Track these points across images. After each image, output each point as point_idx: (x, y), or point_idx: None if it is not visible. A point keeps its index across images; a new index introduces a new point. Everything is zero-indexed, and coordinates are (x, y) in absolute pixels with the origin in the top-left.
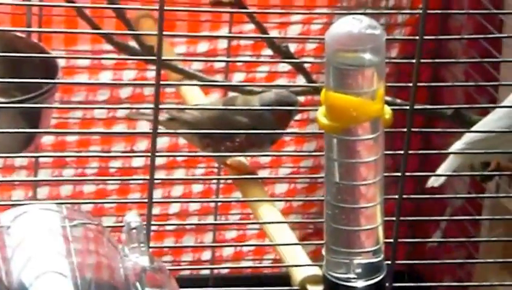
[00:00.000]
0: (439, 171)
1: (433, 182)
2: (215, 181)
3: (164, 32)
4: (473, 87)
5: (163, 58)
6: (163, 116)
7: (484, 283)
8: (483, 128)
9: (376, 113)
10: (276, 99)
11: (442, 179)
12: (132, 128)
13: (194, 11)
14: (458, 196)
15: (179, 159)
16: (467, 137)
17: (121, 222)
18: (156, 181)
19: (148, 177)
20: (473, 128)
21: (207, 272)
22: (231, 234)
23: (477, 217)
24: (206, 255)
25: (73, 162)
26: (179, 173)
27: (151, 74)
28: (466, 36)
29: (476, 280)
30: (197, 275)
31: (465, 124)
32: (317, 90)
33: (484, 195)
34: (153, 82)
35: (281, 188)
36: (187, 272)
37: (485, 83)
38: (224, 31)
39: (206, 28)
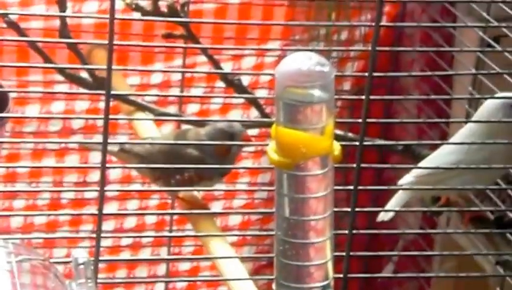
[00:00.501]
0: (388, 205)
1: (383, 216)
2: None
3: (113, 67)
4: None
5: (112, 92)
6: (114, 147)
7: None
8: (431, 163)
9: (325, 150)
10: (216, 131)
11: (391, 214)
12: (85, 158)
13: (144, 46)
14: (407, 231)
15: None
16: (416, 171)
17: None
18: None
19: (96, 212)
20: (421, 163)
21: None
22: (185, 266)
23: (427, 253)
24: (160, 287)
25: (24, 193)
26: (132, 204)
27: (104, 104)
28: (414, 73)
29: None
30: None
31: (416, 158)
32: (270, 123)
33: (433, 231)
34: (102, 116)
35: (234, 219)
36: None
37: (435, 118)
38: (178, 62)
39: (161, 58)
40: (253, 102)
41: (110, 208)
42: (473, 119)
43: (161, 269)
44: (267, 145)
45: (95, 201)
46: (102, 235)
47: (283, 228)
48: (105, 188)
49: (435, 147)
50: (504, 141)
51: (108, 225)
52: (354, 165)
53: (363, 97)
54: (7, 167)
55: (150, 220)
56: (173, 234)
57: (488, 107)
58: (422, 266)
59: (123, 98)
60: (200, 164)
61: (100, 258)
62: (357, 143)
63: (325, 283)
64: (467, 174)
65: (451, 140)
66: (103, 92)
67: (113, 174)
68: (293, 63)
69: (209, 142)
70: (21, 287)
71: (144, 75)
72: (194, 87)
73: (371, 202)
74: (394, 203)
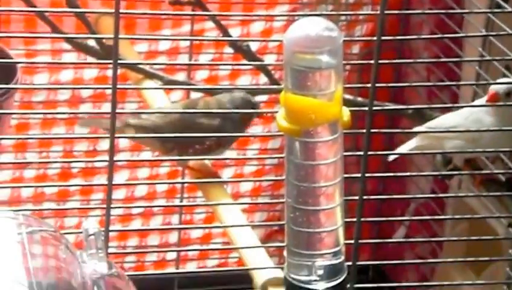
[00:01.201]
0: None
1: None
2: (180, 179)
3: (120, 36)
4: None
5: (119, 61)
6: (119, 122)
7: (446, 282)
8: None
9: (334, 116)
10: (239, 99)
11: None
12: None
13: (151, 14)
14: (419, 196)
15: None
16: (430, 123)
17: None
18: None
19: (106, 182)
20: (429, 123)
21: (172, 269)
22: (196, 233)
23: (438, 217)
24: (171, 254)
25: (34, 163)
26: (143, 172)
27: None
28: (424, 36)
29: (439, 275)
30: (162, 274)
31: (426, 122)
32: (279, 90)
33: (444, 195)
34: (109, 86)
35: (246, 185)
36: (152, 271)
37: (446, 80)
38: (186, 28)
39: (168, 25)
40: (262, 68)
41: (120, 176)
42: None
43: (173, 236)
44: (276, 112)
45: (105, 169)
46: (112, 205)
47: (293, 195)
48: (115, 158)
49: (446, 110)
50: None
51: (119, 194)
52: (364, 131)
53: (372, 62)
54: (17, 139)
55: (161, 188)
56: (184, 203)
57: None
58: (434, 229)
59: (131, 66)
60: (220, 132)
61: (110, 228)
62: (367, 108)
63: (336, 249)
64: (460, 139)
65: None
66: (110, 60)
67: (123, 142)
68: (301, 28)
69: (232, 110)
70: (32, 257)
71: (152, 42)
72: (202, 54)
73: (382, 166)
74: (405, 147)
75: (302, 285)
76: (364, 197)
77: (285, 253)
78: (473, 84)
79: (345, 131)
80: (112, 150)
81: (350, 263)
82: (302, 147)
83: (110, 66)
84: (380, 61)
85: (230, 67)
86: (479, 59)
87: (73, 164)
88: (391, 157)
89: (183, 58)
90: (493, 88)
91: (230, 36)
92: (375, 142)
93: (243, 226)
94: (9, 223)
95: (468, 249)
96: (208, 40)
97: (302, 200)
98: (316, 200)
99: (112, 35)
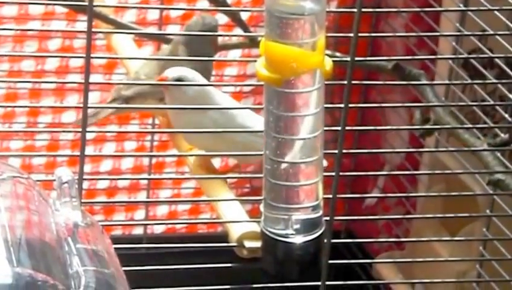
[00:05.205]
0: None
1: None
2: (149, 138)
3: None
4: (412, 41)
5: (94, 4)
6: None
7: (421, 239)
8: None
9: (316, 64)
10: (201, 24)
11: None
12: (62, 79)
13: None
14: (398, 150)
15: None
16: None
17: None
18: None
19: (80, 130)
20: None
21: (140, 231)
22: (165, 193)
23: (416, 172)
24: (140, 214)
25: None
26: (111, 129)
27: (80, 25)
28: None
29: (412, 237)
30: (130, 235)
31: (405, 77)
32: (254, 43)
33: (420, 150)
34: (84, 30)
35: None
36: (119, 232)
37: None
38: None
39: None
40: (238, 21)
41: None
42: None
43: (141, 196)
44: (255, 61)
45: (72, 126)
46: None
47: (272, 147)
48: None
49: (425, 66)
50: None
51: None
52: (345, 82)
53: (355, 10)
54: None
55: (130, 146)
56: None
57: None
58: (408, 191)
59: (103, 16)
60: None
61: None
62: (348, 59)
63: (315, 203)
64: None
65: None
66: (85, 3)
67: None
68: None
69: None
70: (4, 206)
71: None
72: (175, 5)
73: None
74: None
75: (279, 238)
76: (344, 151)
77: (261, 207)
78: (451, 36)
79: (325, 83)
80: (86, 96)
81: (327, 218)
82: (282, 97)
83: (81, 17)
84: (363, 10)
85: None
86: (457, 9)
87: (40, 119)
88: None
89: (155, 11)
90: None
91: None
92: (352, 100)
93: (218, 177)
94: None
95: (444, 210)
96: None
97: (281, 153)
98: (295, 153)
99: None
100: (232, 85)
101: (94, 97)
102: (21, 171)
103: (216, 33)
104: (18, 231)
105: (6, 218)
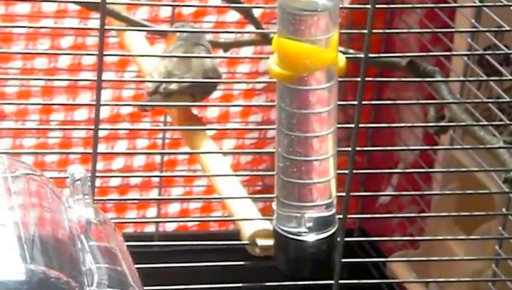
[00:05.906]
0: None
1: None
2: (160, 136)
3: None
4: (427, 38)
5: (107, 1)
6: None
7: (436, 237)
8: None
9: (330, 60)
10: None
11: None
12: (75, 77)
13: None
14: (412, 148)
15: (123, 112)
16: None
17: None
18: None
19: (92, 127)
20: None
21: (152, 229)
22: (177, 191)
23: (430, 170)
24: (151, 212)
25: (12, 114)
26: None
27: (93, 23)
28: None
29: (427, 236)
30: (142, 232)
31: (419, 74)
32: (267, 40)
33: (435, 147)
34: (97, 27)
35: (229, 144)
36: (131, 229)
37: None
38: None
39: None
40: (250, 18)
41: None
42: None
43: (153, 194)
44: (267, 58)
45: (85, 123)
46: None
47: (284, 145)
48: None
49: (439, 63)
50: None
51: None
52: (358, 79)
53: (368, 6)
54: None
55: (141, 144)
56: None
57: None
58: (422, 189)
59: (116, 14)
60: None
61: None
62: (362, 55)
63: (328, 201)
64: None
65: None
66: (98, 1)
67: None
68: None
69: None
70: (17, 204)
71: None
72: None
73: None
74: None
75: (291, 236)
76: (358, 148)
77: (274, 205)
78: (466, 32)
79: (338, 80)
80: (99, 94)
81: (340, 216)
82: (294, 94)
83: (93, 14)
84: (377, 6)
85: (215, 18)
86: (473, 5)
87: (52, 116)
88: None
89: (167, 8)
90: None
91: None
92: (365, 98)
93: (231, 175)
94: None
95: (459, 209)
96: None
97: (293, 150)
98: (308, 151)
99: None
100: (245, 82)
101: (106, 95)
102: (34, 168)
103: (229, 30)
104: (31, 228)
105: (20, 215)
